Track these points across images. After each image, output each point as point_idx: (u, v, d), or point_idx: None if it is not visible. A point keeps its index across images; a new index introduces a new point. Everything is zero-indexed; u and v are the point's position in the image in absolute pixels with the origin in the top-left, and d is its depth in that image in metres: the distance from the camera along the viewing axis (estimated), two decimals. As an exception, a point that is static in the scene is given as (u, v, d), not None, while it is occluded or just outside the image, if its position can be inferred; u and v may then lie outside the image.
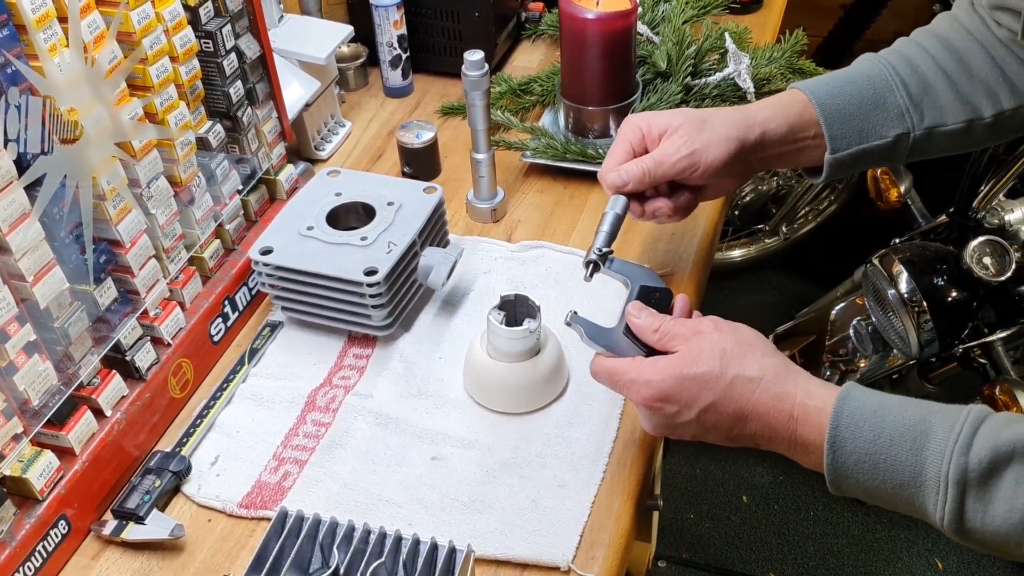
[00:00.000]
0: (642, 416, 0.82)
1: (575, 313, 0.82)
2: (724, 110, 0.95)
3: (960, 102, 0.94)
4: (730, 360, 0.75)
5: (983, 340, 1.58)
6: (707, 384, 0.75)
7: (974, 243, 1.50)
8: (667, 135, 0.92)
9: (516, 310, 0.92)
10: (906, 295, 1.51)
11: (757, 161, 0.95)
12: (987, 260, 1.50)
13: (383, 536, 0.79)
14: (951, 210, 1.71)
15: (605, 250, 0.88)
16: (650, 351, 0.80)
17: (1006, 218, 1.62)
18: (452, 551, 0.78)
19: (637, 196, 0.94)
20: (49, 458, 0.79)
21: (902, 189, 1.82)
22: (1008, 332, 1.56)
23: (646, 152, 0.94)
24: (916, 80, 0.94)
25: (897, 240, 1.73)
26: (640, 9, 1.33)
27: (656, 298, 0.84)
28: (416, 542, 0.79)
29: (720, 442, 0.79)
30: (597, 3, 1.11)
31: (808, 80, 0.96)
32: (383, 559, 0.77)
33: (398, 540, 0.79)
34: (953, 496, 0.67)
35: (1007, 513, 0.66)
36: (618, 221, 0.91)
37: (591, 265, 0.88)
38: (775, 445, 0.76)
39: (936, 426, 0.69)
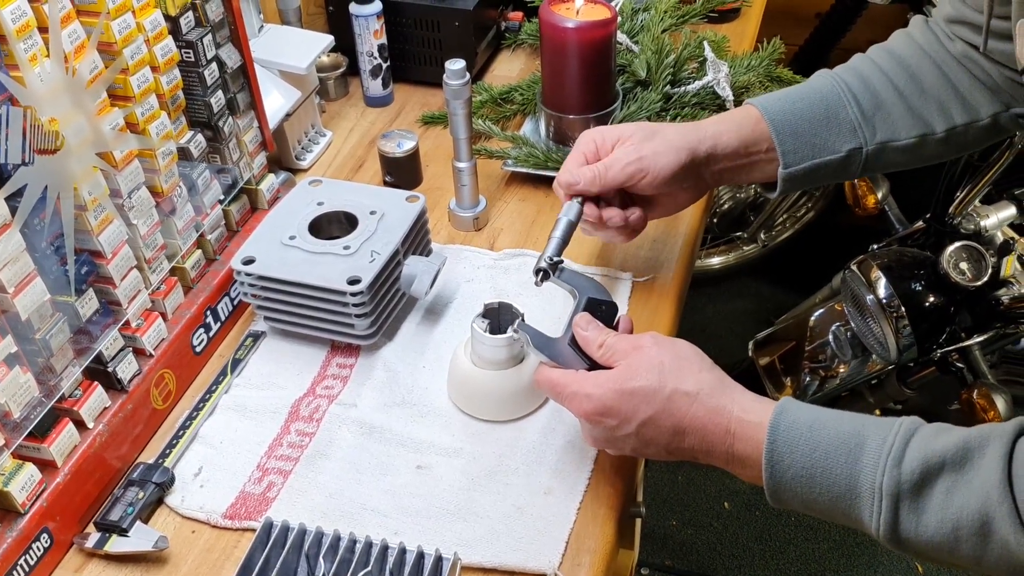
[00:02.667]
0: (583, 429, 0.83)
1: (522, 320, 0.84)
2: (677, 124, 0.97)
3: (912, 117, 0.96)
4: (668, 374, 0.77)
5: (960, 345, 1.59)
6: (646, 398, 0.76)
7: (950, 249, 1.52)
8: (619, 144, 0.95)
9: (500, 318, 0.92)
10: (884, 300, 1.53)
11: (709, 175, 0.97)
12: (963, 265, 1.52)
13: (369, 545, 0.79)
14: (928, 216, 1.73)
15: (556, 259, 0.89)
16: (593, 364, 0.81)
17: (982, 224, 1.64)
18: (438, 559, 0.78)
19: (592, 204, 0.96)
20: (31, 471, 0.78)
21: (879, 196, 1.83)
22: (985, 337, 1.58)
23: (598, 160, 0.96)
24: (868, 96, 0.96)
25: (875, 246, 1.74)
26: (619, 18, 1.34)
27: (602, 311, 0.85)
28: (402, 551, 0.79)
29: (660, 456, 0.80)
30: (577, 12, 1.12)
31: (761, 96, 0.98)
32: (369, 568, 0.77)
33: (384, 549, 0.79)
34: (887, 507, 0.69)
35: (939, 523, 0.67)
36: (571, 228, 0.93)
37: (540, 273, 0.89)
38: (713, 459, 0.78)
39: (869, 439, 0.71)
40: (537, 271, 0.89)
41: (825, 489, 0.71)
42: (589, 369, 0.81)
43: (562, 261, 0.90)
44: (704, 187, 0.99)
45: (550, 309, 1.02)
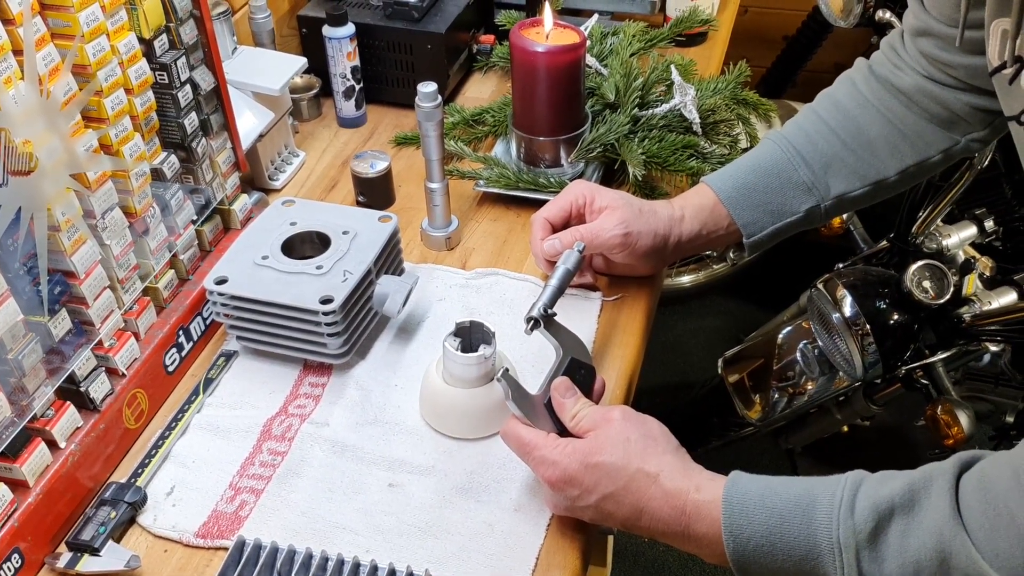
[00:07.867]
0: (544, 492, 0.84)
1: (506, 371, 0.83)
2: (653, 205, 1.03)
3: (863, 168, 1.01)
4: (633, 453, 0.78)
5: (924, 362, 1.62)
6: (609, 474, 0.78)
7: (914, 267, 1.54)
8: (607, 211, 1.01)
9: (471, 336, 0.93)
10: (850, 318, 1.55)
11: (669, 255, 1.04)
12: (926, 284, 1.55)
13: (341, 563, 0.80)
14: (891, 235, 1.76)
15: (550, 312, 0.90)
16: (563, 428, 0.83)
17: (944, 243, 1.68)
18: (410, 576, 0.79)
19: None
20: (2, 491, 0.78)
21: (844, 216, 1.86)
22: (948, 354, 1.60)
23: (580, 215, 1.04)
24: (816, 156, 1.01)
25: (840, 265, 1.77)
26: (588, 42, 1.36)
27: (581, 375, 0.87)
28: (374, 568, 0.79)
29: (618, 527, 0.81)
30: (547, 36, 1.14)
31: (715, 174, 1.05)
32: (341, 586, 0.78)
33: (356, 567, 0.80)
34: (848, 561, 0.70)
35: (901, 567, 0.68)
36: (568, 277, 0.95)
37: (532, 322, 0.90)
38: (669, 539, 0.79)
39: (819, 497, 0.72)
40: (528, 319, 0.90)
41: (787, 554, 0.72)
42: (559, 433, 0.82)
43: (555, 314, 0.90)
44: (664, 264, 1.08)
45: (520, 328, 1.03)
